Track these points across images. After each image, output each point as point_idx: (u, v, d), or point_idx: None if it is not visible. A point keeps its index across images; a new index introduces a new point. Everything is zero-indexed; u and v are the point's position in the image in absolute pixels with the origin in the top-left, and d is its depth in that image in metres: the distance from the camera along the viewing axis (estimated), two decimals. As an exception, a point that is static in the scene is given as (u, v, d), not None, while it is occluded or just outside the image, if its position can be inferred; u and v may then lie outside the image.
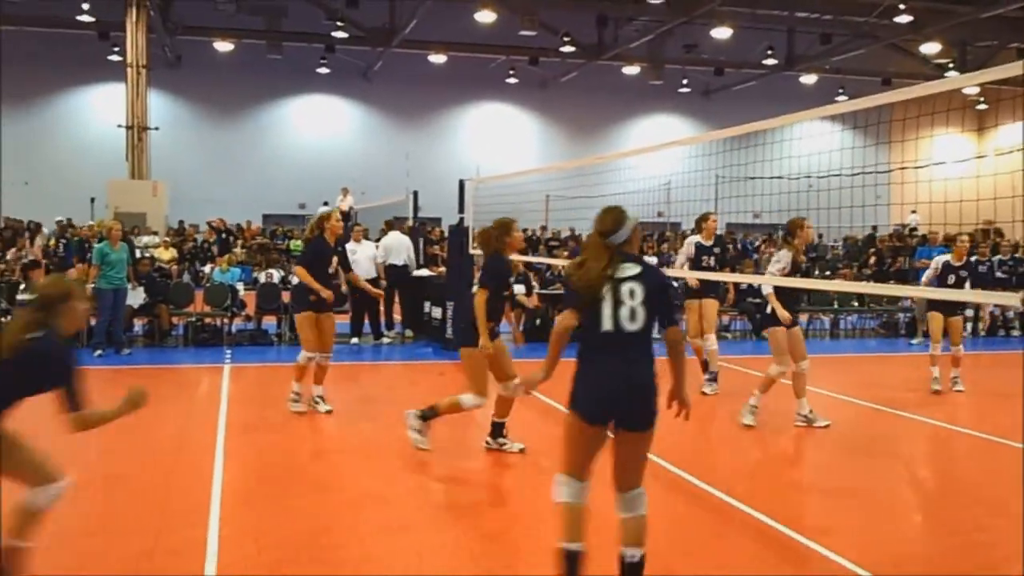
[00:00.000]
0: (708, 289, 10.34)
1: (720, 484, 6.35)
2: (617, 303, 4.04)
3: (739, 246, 26.23)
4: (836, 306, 17.15)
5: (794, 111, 7.48)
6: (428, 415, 7.02)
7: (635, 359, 4.05)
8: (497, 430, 7.24)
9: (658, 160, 13.92)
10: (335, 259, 8.68)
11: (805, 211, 19.50)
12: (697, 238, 10.35)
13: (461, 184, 13.90)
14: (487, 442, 7.27)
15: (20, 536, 4.07)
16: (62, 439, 7.78)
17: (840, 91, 34.12)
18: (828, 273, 21.08)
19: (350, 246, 14.02)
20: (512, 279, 7.38)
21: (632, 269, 4.11)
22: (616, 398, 4.04)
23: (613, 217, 4.24)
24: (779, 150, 19.58)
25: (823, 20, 28.03)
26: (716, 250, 10.22)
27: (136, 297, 13.24)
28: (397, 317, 15.13)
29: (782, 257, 8.31)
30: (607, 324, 4.04)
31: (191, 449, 7.38)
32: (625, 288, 4.05)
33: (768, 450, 7.94)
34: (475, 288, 6.99)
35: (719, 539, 5.44)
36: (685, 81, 34.59)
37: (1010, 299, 6.20)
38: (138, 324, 13.88)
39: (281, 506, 5.76)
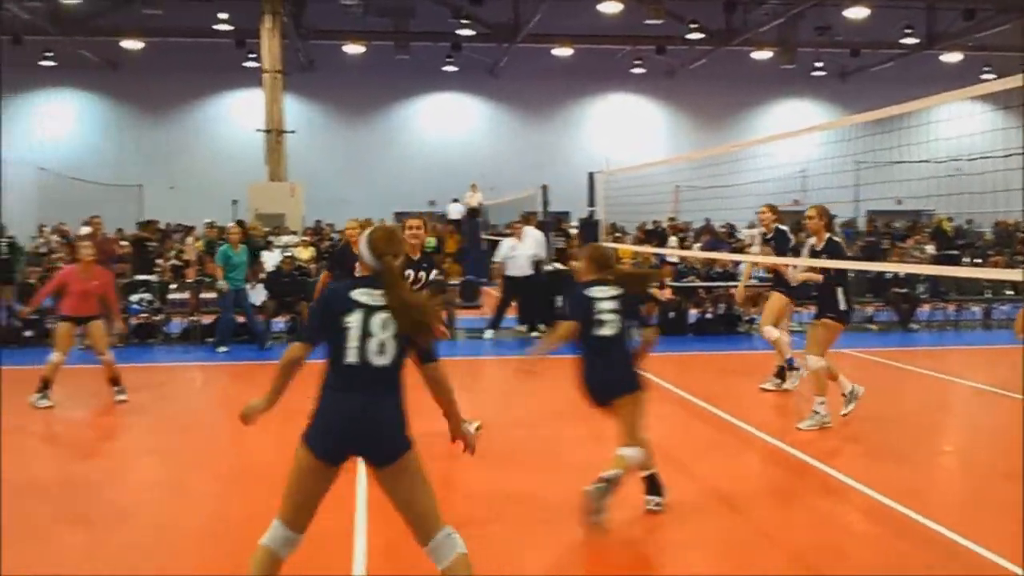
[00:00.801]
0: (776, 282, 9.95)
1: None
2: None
3: (881, 232, 25.27)
4: (989, 295, 16.31)
5: (936, 92, 7.08)
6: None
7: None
8: None
9: (793, 147, 13.54)
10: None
11: (952, 196, 18.69)
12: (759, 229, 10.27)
13: (591, 177, 13.79)
14: None
15: None
16: (208, 425, 8.06)
17: (985, 69, 32.43)
18: (979, 260, 20.07)
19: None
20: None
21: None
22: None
23: (386, 236, 3.89)
24: (923, 133, 18.73)
25: (966, -6, 26.72)
26: (772, 241, 9.75)
27: (257, 296, 13.75)
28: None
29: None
30: (351, 356, 3.72)
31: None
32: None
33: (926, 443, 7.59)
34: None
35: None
36: (819, 64, 33.50)
37: None
38: (281, 321, 14.29)
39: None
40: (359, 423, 3.68)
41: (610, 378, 5.49)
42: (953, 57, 32.33)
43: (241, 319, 13.39)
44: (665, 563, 5.14)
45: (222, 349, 12.91)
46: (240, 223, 15.87)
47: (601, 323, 5.47)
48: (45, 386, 8.96)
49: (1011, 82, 5.85)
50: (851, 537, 5.36)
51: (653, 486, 5.65)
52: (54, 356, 9.01)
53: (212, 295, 13.71)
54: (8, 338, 13.04)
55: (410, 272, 6.52)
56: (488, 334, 14.27)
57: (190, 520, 5.63)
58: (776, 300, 9.83)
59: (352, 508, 5.47)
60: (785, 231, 9.28)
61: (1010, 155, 19.12)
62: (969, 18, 27.69)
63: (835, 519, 5.68)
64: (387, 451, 3.73)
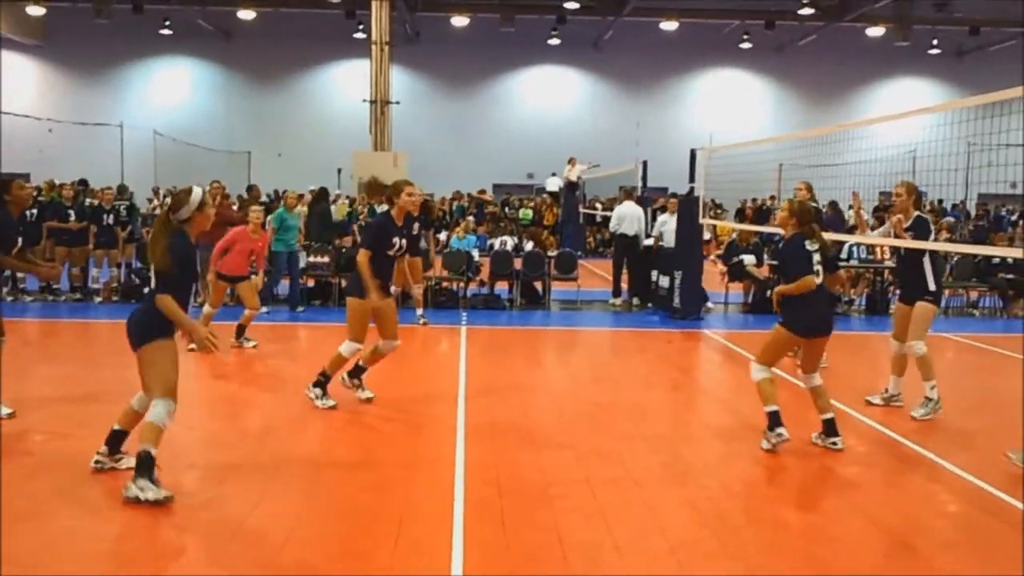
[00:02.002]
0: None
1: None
2: None
3: (991, 217, 24.47)
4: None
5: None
6: (321, 382, 7.36)
7: None
8: (356, 372, 7.55)
9: (903, 127, 13.21)
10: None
11: (1070, 180, 17.91)
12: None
13: (692, 153, 13.72)
14: (343, 378, 7.53)
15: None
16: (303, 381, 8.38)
17: (1116, 47, 30.93)
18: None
19: (662, 217, 14.40)
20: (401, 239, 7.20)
21: None
22: None
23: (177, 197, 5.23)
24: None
25: (1097, -30, 25.50)
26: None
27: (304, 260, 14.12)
28: (625, 285, 15.20)
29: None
30: None
31: (437, 402, 7.78)
32: None
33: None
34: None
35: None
36: (935, 42, 32.41)
37: None
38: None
39: (519, 461, 5.99)
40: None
41: (826, 317, 6.54)
42: (1080, 35, 30.89)
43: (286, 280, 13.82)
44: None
45: (300, 309, 13.53)
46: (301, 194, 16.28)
47: (816, 272, 6.34)
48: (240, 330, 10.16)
49: None
50: (942, 516, 5.35)
51: (831, 428, 6.52)
52: (207, 309, 9.85)
53: (321, 259, 14.16)
54: (130, 294, 13.72)
55: (395, 239, 7.19)
56: (613, 301, 14.79)
57: (292, 472, 5.92)
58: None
59: (450, 512, 5.51)
60: (927, 220, 7.92)
61: None
62: (1099, -6, 26.42)
63: (931, 498, 5.67)
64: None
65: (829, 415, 6.52)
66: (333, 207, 21.25)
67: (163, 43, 32.55)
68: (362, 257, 7.04)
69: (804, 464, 6.23)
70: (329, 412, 7.27)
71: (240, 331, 10.15)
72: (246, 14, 30.35)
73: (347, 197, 25.48)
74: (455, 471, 5.73)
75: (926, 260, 7.56)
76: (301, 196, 16.35)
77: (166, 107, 33.17)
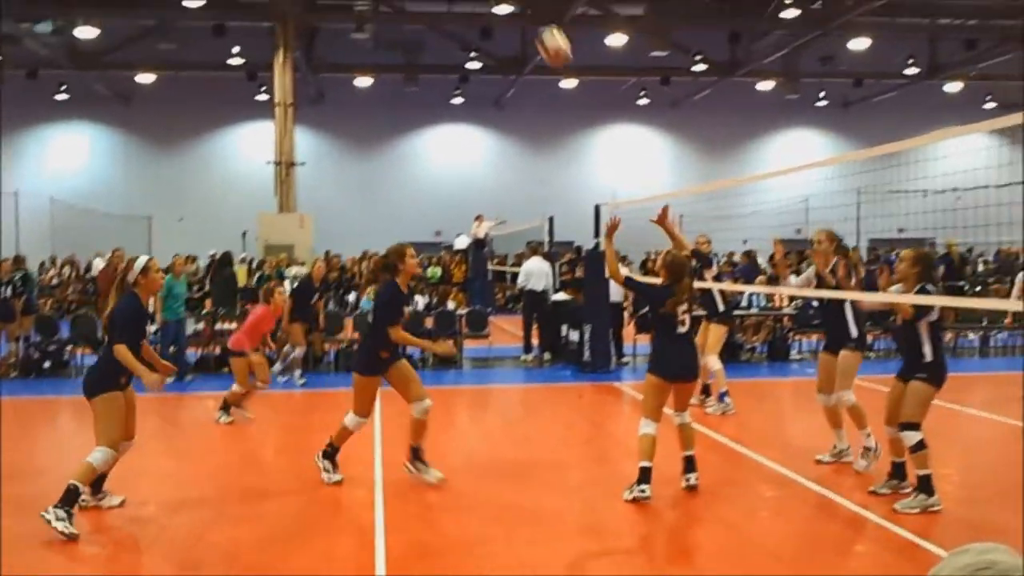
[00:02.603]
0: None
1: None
2: None
3: (882, 262, 25.48)
4: (985, 323, 16.48)
5: (938, 121, 7.32)
6: (329, 453, 7.25)
7: None
8: (416, 454, 7.18)
9: (797, 178, 13.78)
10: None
11: (952, 227, 18.91)
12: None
13: (597, 209, 14.06)
14: (407, 467, 7.17)
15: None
16: (226, 457, 8.28)
17: (987, 98, 32.79)
18: (978, 288, 20.27)
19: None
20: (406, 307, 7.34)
21: None
22: None
23: None
24: (925, 165, 19.01)
25: (967, 25, 27.08)
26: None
27: (190, 327, 13.81)
28: (536, 341, 15.38)
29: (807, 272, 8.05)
30: None
31: (353, 466, 7.75)
32: None
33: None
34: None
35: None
36: (822, 94, 33.87)
37: None
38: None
39: (439, 521, 6.03)
40: None
41: (688, 363, 6.75)
42: (955, 87, 32.69)
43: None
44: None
45: (188, 378, 13.19)
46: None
47: (682, 322, 6.65)
48: (227, 405, 9.96)
49: (1010, 120, 6.09)
50: (849, 552, 5.57)
51: (690, 465, 6.80)
52: (236, 387, 9.92)
53: (231, 326, 13.96)
54: (28, 368, 13.32)
55: (405, 307, 7.48)
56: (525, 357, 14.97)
57: (217, 543, 5.84)
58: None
59: (371, 513, 5.70)
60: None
61: (1006, 185, 19.39)
62: (971, 48, 28.08)
63: (838, 536, 5.89)
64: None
65: (690, 452, 6.80)
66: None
67: (59, 108, 31.91)
68: (396, 333, 6.81)
69: (723, 513, 6.40)
70: (247, 488, 7.18)
71: (227, 404, 10.01)
72: (145, 78, 30.04)
73: (249, 260, 25.20)
74: (375, 532, 5.73)
75: (847, 306, 7.38)
76: (193, 259, 16.13)
77: (63, 173, 32.42)
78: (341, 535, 5.90)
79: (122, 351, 5.84)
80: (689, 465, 6.78)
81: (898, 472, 6.75)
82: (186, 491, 7.10)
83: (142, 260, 6.21)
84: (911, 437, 6.36)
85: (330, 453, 7.20)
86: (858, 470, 7.39)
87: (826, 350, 7.75)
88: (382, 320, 6.88)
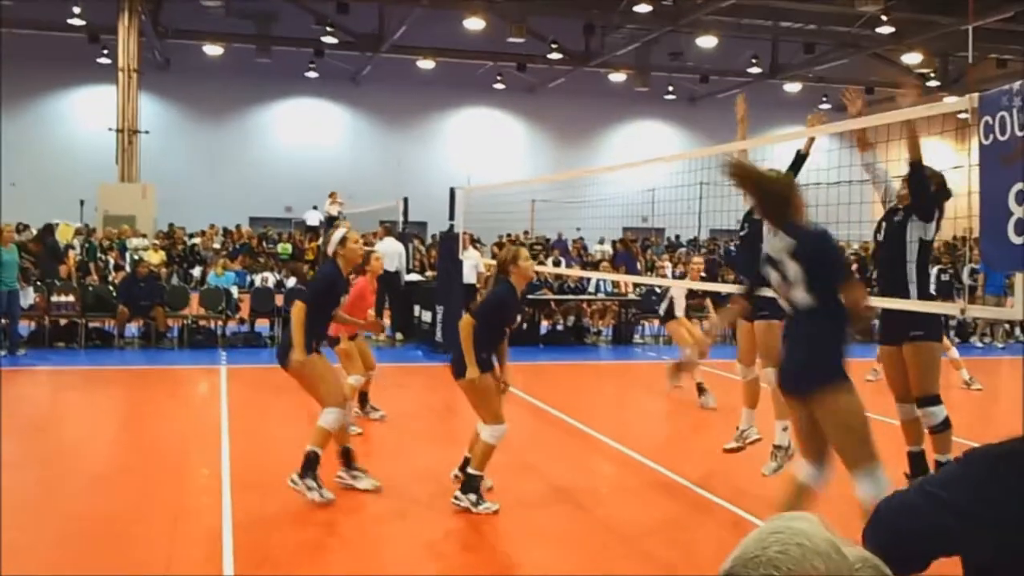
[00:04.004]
0: None
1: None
2: None
3: (721, 252, 26.61)
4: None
5: (777, 118, 7.79)
6: (473, 486, 5.94)
7: None
8: (470, 485, 5.98)
9: (643, 169, 14.20)
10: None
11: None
12: None
13: (452, 192, 14.18)
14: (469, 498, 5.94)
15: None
16: (68, 433, 8.03)
17: (823, 99, 34.57)
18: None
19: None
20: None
21: None
22: None
23: None
24: (764, 163, 19.95)
25: (807, 30, 28.49)
26: None
27: (26, 298, 13.13)
28: (387, 321, 15.41)
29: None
30: None
31: (197, 446, 7.65)
32: None
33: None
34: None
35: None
36: (671, 88, 34.97)
37: (951, 309, 6.52)
38: (134, 326, 14.09)
39: (292, 502, 6.04)
40: None
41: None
42: (794, 87, 34.34)
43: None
44: (515, 558, 5.54)
45: (21, 352, 12.44)
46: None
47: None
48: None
49: (839, 126, 6.54)
50: (687, 528, 5.90)
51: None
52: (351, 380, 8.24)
53: (66, 298, 13.38)
54: None
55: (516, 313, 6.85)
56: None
57: (46, 529, 5.69)
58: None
59: (219, 509, 5.67)
60: None
61: (837, 183, 20.57)
62: (810, 51, 29.57)
63: (675, 513, 6.22)
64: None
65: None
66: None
67: None
68: (467, 329, 5.83)
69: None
70: (83, 465, 6.98)
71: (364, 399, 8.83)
72: (-25, 33, 28.23)
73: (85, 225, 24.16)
74: (222, 523, 5.69)
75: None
76: (26, 227, 15.34)
77: None
78: (187, 525, 5.83)
79: (296, 311, 5.99)
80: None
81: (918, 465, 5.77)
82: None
83: (339, 232, 6.37)
84: (938, 413, 5.59)
85: (475, 487, 5.89)
86: (765, 473, 6.62)
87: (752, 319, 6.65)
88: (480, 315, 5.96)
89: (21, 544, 5.16)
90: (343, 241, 6.20)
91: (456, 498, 5.84)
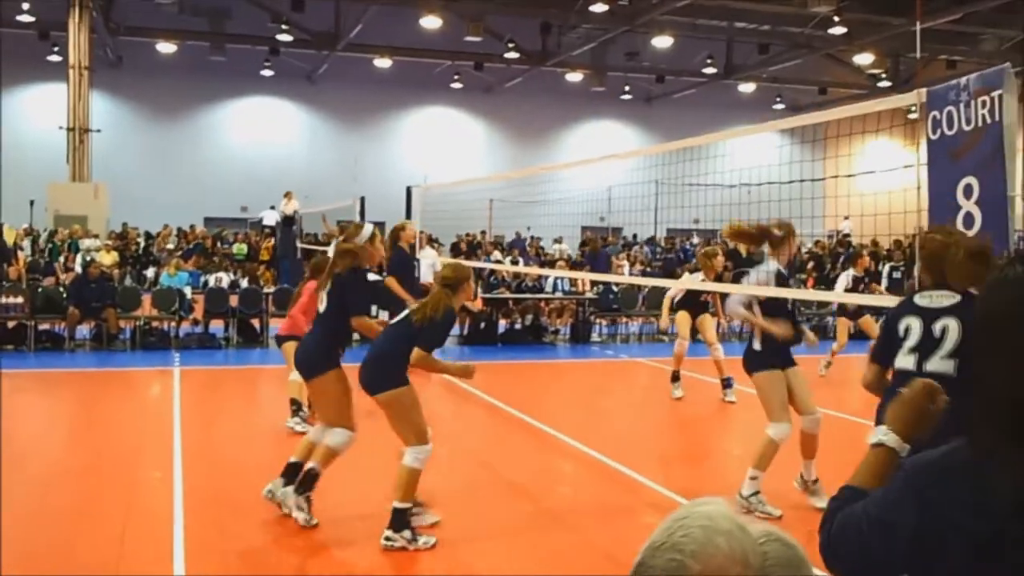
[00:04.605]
0: None
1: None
2: None
3: (678, 250, 26.80)
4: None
5: (732, 118, 7.87)
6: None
7: None
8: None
9: (602, 167, 14.27)
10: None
11: (742, 219, 20.13)
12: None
13: (408, 191, 14.13)
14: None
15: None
16: (16, 436, 7.88)
17: (778, 99, 34.97)
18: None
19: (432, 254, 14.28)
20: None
21: None
22: None
23: None
24: (720, 161, 20.11)
25: (761, 30, 28.77)
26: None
27: None
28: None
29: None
30: None
31: (150, 449, 7.53)
32: None
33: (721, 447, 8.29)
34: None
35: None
36: (627, 88, 35.14)
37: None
38: (86, 328, 13.86)
39: (244, 505, 5.96)
40: None
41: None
42: (748, 87, 34.65)
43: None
44: (473, 560, 5.52)
45: None
46: None
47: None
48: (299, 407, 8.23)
49: (801, 120, 6.61)
50: (647, 530, 5.91)
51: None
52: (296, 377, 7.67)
53: (14, 300, 13.11)
54: None
55: None
56: None
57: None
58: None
59: (170, 511, 5.60)
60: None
61: (791, 182, 20.79)
62: (764, 52, 29.84)
63: (635, 515, 6.24)
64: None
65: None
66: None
67: None
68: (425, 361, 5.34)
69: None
70: (32, 468, 6.83)
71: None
72: (-81, 29, 27.59)
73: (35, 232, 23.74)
74: (173, 524, 5.61)
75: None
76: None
77: None
78: (136, 523, 5.74)
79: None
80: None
81: None
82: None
83: (368, 228, 5.91)
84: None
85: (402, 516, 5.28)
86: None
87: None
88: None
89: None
90: (372, 239, 5.88)
91: (388, 539, 5.14)
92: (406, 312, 5.49)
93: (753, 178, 20.96)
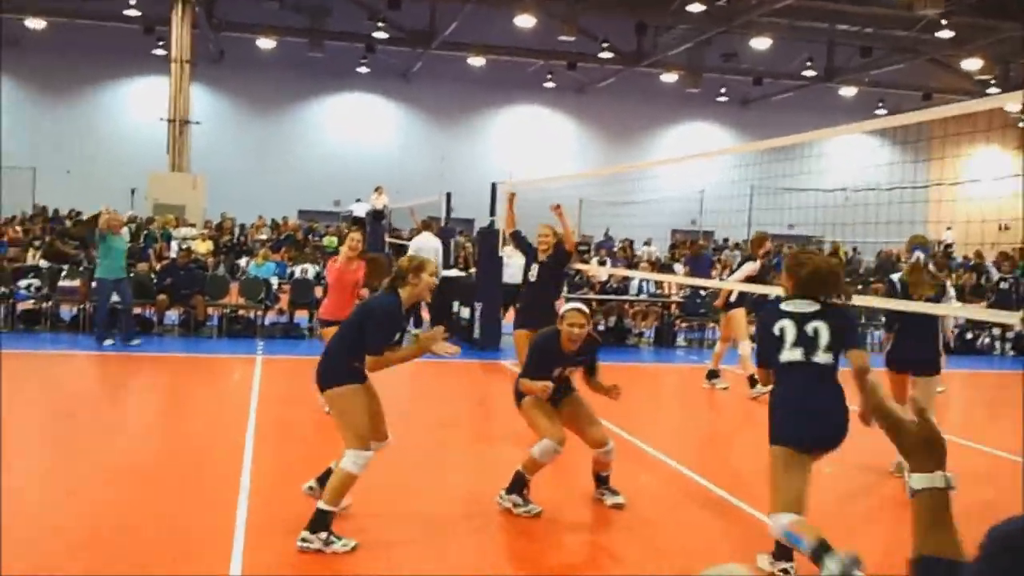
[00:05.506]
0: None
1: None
2: None
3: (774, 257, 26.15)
4: (863, 320, 17.04)
5: (832, 123, 7.50)
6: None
7: None
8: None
9: (694, 169, 13.97)
10: None
11: (840, 224, 19.55)
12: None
13: (493, 187, 14.03)
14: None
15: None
16: (99, 424, 8.03)
17: (880, 104, 33.93)
18: (859, 287, 20.95)
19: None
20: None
21: None
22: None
23: None
24: (817, 163, 19.57)
25: (863, 33, 27.92)
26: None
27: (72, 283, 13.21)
28: (425, 316, 15.28)
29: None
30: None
31: (224, 434, 7.57)
32: None
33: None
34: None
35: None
36: (723, 90, 34.54)
37: (1009, 318, 6.23)
38: (174, 313, 14.11)
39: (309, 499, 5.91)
40: None
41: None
42: (849, 91, 33.73)
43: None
44: (543, 562, 5.37)
45: (108, 342, 12.24)
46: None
47: None
48: None
49: (902, 119, 6.28)
50: (724, 542, 5.68)
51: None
52: None
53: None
54: None
55: None
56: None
57: (69, 515, 5.62)
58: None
59: (234, 507, 5.57)
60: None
61: (893, 188, 20.13)
62: (866, 55, 28.96)
63: (704, 521, 6.00)
64: None
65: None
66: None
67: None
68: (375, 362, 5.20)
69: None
70: (107, 454, 6.92)
71: None
72: (35, 23, 28.66)
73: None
74: (236, 520, 5.58)
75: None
76: (79, 214, 15.34)
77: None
78: (198, 520, 5.73)
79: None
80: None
81: None
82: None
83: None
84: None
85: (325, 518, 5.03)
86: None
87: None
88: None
89: (35, 528, 5.10)
90: (419, 270, 5.27)
91: (304, 539, 4.86)
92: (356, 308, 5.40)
93: (851, 182, 20.43)
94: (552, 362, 5.77)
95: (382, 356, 5.06)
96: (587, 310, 5.83)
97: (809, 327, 4.53)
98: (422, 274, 5.17)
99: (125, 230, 12.67)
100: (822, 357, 4.52)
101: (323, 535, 4.88)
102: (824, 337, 4.52)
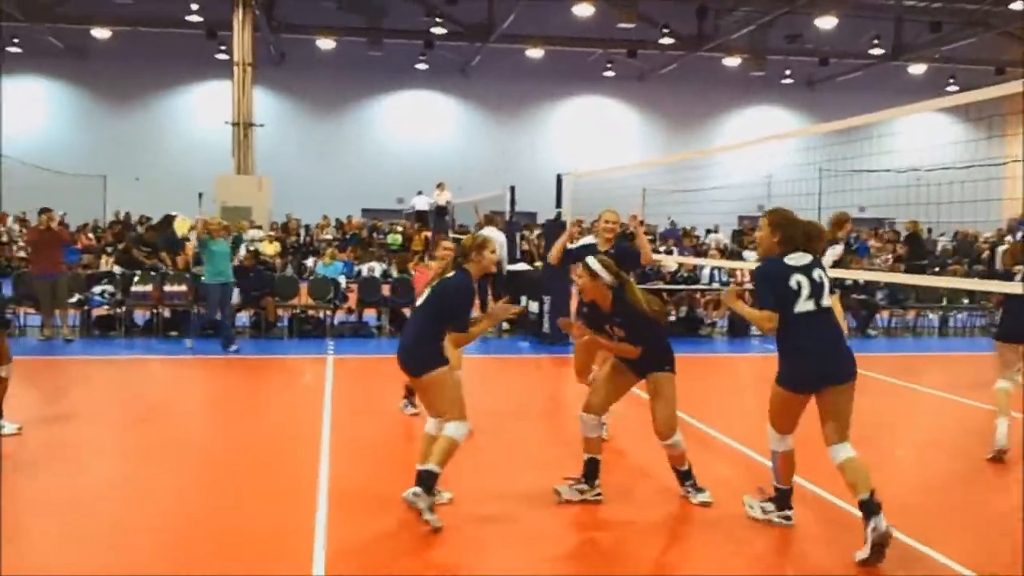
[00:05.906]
0: None
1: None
2: None
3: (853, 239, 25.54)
4: (945, 303, 16.55)
5: (902, 102, 7.23)
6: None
7: None
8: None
9: (760, 153, 13.65)
10: None
11: (913, 205, 18.98)
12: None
13: (559, 179, 13.86)
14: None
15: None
16: (178, 427, 8.06)
17: (951, 81, 32.96)
18: (937, 269, 20.38)
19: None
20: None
21: None
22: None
23: None
24: (886, 143, 18.99)
25: (932, 8, 27.10)
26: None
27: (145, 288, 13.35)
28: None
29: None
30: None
31: (300, 435, 7.55)
32: None
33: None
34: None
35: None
36: (788, 72, 33.87)
37: None
38: (244, 316, 14.21)
39: (388, 499, 5.83)
40: None
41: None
42: (919, 68, 32.83)
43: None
44: (632, 557, 5.22)
45: (233, 347, 12.15)
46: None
47: None
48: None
49: (973, 95, 5.98)
50: (805, 536, 5.47)
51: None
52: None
53: (178, 288, 13.54)
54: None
55: None
56: None
57: (149, 517, 5.62)
58: None
59: (313, 507, 5.53)
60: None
61: (968, 166, 19.50)
62: (936, 30, 28.11)
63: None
64: None
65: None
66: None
67: (12, 61, 31.00)
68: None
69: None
70: (185, 450, 6.94)
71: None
72: (101, 32, 29.23)
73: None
74: (315, 521, 5.52)
75: None
76: (148, 219, 15.44)
77: (14, 129, 31.49)
78: (278, 520, 5.70)
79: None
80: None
81: None
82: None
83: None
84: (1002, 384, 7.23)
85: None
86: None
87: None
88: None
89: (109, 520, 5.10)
90: (481, 247, 5.62)
91: (415, 494, 5.16)
92: (427, 292, 5.55)
93: (922, 162, 19.81)
94: (595, 320, 5.93)
95: (467, 332, 5.49)
96: (593, 265, 5.72)
97: (815, 275, 5.08)
98: (484, 251, 5.58)
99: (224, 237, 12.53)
100: (827, 301, 5.12)
101: (428, 494, 5.21)
102: (826, 282, 5.12)
